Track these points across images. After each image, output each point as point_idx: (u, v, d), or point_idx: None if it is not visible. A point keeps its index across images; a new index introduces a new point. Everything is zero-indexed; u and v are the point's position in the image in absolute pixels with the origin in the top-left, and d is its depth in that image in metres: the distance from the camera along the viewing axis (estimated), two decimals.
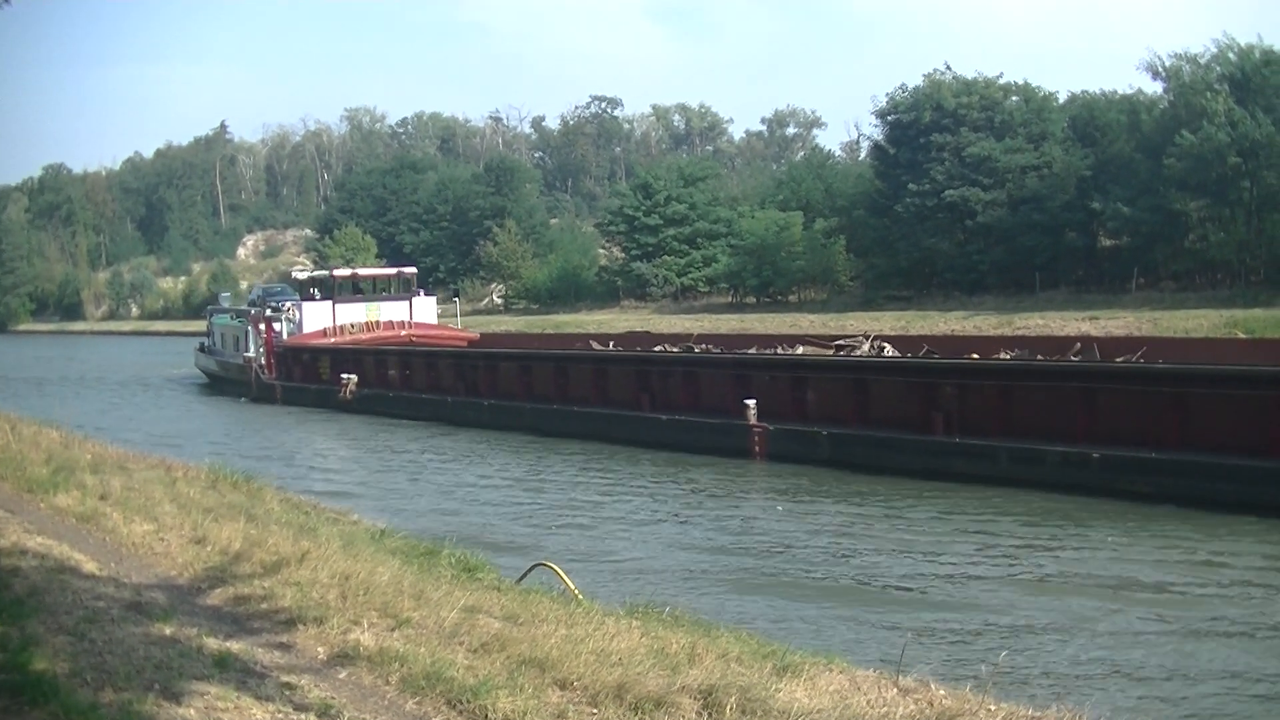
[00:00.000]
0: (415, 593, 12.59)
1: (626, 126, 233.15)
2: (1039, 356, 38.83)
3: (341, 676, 9.68)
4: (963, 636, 17.87)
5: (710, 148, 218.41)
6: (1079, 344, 40.46)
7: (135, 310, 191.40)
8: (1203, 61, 76.28)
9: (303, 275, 73.64)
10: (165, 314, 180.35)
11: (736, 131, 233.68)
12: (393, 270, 75.50)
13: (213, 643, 9.81)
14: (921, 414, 33.31)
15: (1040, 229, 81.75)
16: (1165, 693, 15.33)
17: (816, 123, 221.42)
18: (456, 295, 74.82)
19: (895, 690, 10.53)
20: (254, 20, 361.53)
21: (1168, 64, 78.81)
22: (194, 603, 11.73)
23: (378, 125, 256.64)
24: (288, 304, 68.04)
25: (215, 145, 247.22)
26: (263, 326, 65.45)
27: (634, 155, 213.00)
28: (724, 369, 41.47)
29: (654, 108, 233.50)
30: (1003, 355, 39.88)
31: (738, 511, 28.70)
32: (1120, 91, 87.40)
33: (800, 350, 46.22)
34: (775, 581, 21.75)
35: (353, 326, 64.88)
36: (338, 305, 66.00)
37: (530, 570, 16.57)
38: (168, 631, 9.97)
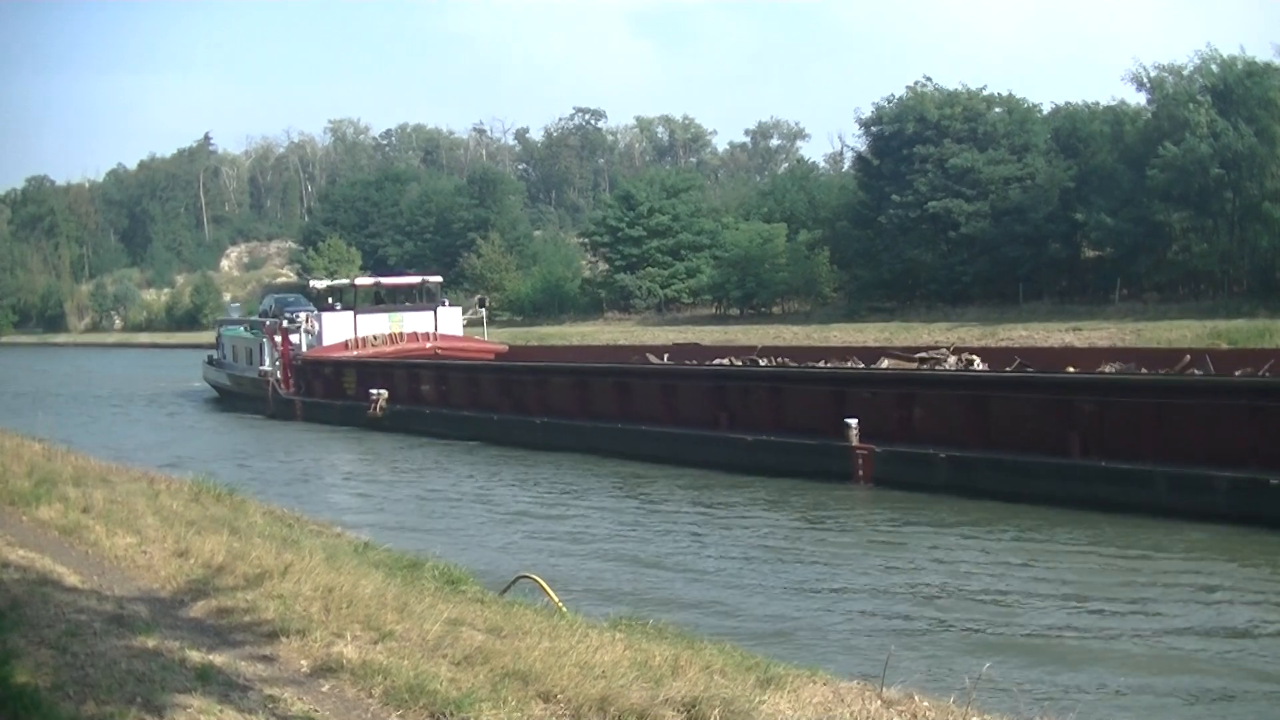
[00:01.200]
0: (398, 605, 12.53)
1: (610, 138, 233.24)
2: (1143, 369, 35.42)
3: (325, 689, 9.63)
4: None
5: (694, 159, 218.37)
6: (1188, 355, 36.67)
7: (118, 322, 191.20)
8: (1185, 73, 76.70)
9: (320, 285, 70.46)
10: (149, 326, 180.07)
11: (720, 143, 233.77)
12: (416, 279, 72.96)
13: (195, 655, 9.75)
14: (1054, 434, 29.87)
15: (1023, 240, 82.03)
16: None
17: (800, 134, 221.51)
18: (483, 304, 70.46)
19: (879, 702, 10.52)
20: (237, 32, 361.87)
21: (1152, 75, 79.14)
22: (176, 615, 11.67)
23: (361, 137, 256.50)
24: (305, 314, 63.78)
25: (199, 157, 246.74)
26: (278, 338, 61.44)
27: (617, 167, 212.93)
28: (817, 385, 37.21)
29: (637, 119, 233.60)
30: (1106, 369, 36.00)
31: (888, 548, 24.99)
32: (1103, 103, 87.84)
33: (886, 364, 41.71)
34: (989, 639, 18.27)
35: (375, 338, 61.25)
36: (359, 316, 62.60)
37: (513, 583, 16.53)
38: (150, 644, 9.91)
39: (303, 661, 10.31)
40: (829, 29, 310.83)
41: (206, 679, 9.13)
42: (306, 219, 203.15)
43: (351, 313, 62.62)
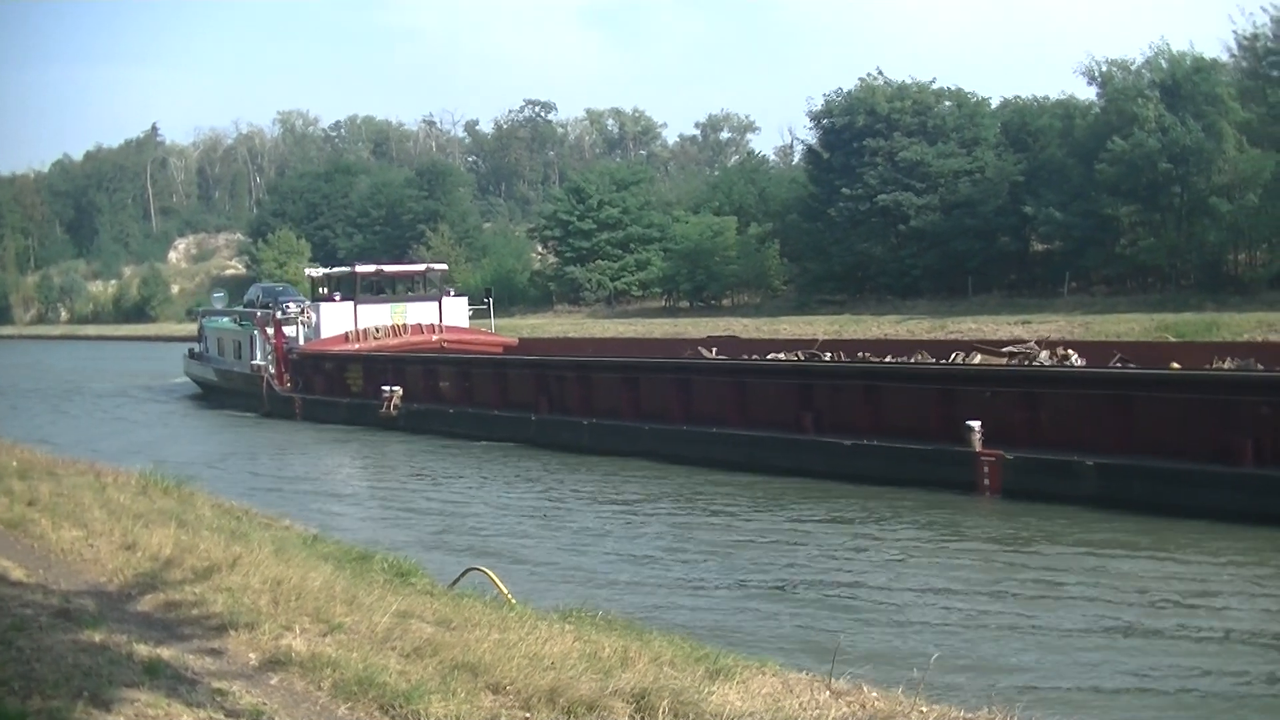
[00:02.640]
0: (348, 598, 12.48)
1: (560, 131, 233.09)
2: (1259, 366, 32.01)
3: (273, 682, 9.55)
4: None
5: (644, 152, 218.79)
6: None
7: (65, 314, 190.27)
8: (1134, 68, 77.03)
9: (316, 273, 64.26)
10: (95, 318, 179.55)
11: (670, 136, 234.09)
12: (420, 266, 68.82)
13: (143, 649, 9.66)
14: (1221, 440, 26.27)
15: (973, 233, 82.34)
16: None
17: (750, 127, 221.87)
18: (488, 295, 65.17)
19: (828, 693, 10.49)
20: (185, 22, 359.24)
21: (1102, 69, 79.50)
22: (124, 609, 11.56)
23: (310, 129, 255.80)
24: (301, 305, 60.60)
25: (146, 148, 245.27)
26: (271, 331, 57.73)
27: (568, 160, 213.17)
28: (924, 383, 33.12)
29: (588, 112, 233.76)
30: (1221, 364, 32.89)
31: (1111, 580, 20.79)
32: (1052, 97, 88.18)
33: (979, 359, 37.87)
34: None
35: (378, 331, 57.11)
36: (360, 306, 58.27)
37: (463, 575, 16.46)
38: (97, 638, 9.82)
39: (251, 655, 10.23)
40: (780, 22, 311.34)
41: (154, 673, 9.04)
42: (255, 211, 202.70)
43: (351, 303, 58.46)
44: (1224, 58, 78.26)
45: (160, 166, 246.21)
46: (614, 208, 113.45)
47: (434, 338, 57.73)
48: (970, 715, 10.23)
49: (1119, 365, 34.41)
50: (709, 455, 34.82)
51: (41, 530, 15.21)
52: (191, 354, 70.30)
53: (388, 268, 67.85)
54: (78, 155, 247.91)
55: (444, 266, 70.06)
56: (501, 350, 57.46)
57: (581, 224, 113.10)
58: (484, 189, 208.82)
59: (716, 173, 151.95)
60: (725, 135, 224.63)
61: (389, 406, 47.55)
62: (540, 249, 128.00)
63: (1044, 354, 37.14)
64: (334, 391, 54.12)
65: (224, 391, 62.11)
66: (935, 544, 24.00)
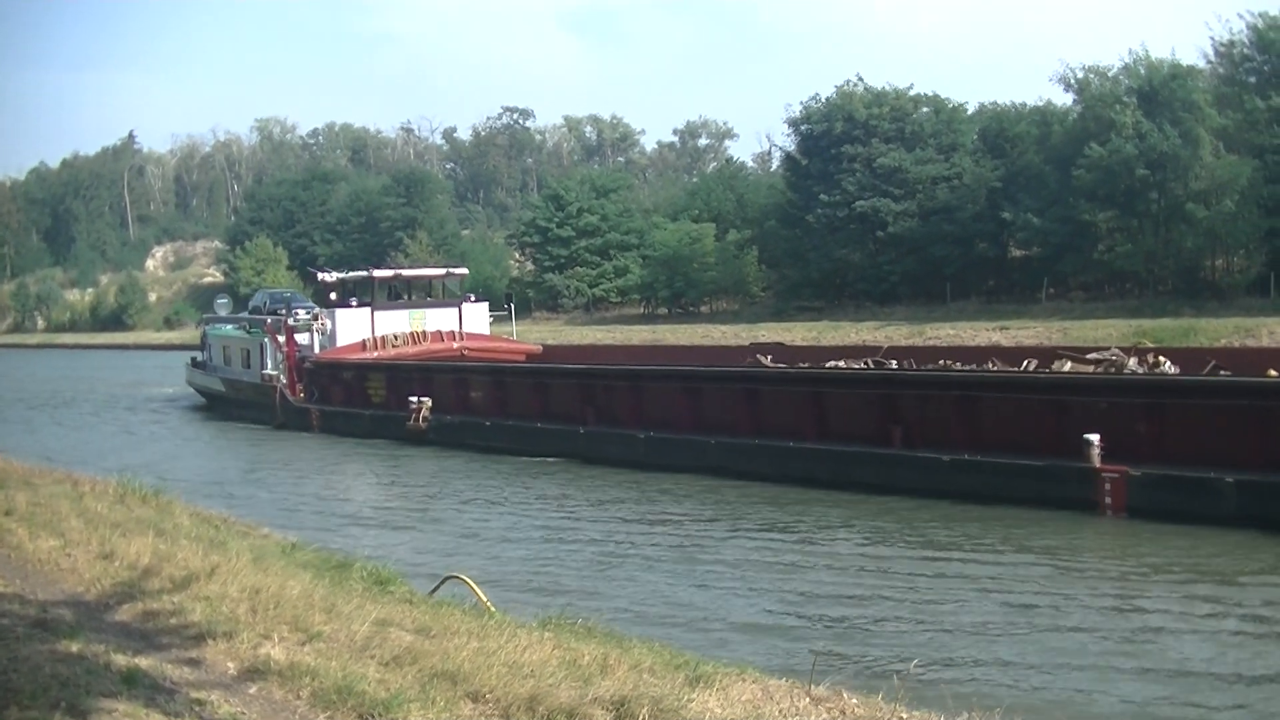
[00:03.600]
0: (326, 606, 12.44)
1: (538, 137, 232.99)
2: None
3: (252, 691, 9.51)
4: None
5: (622, 159, 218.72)
6: None
7: (41, 323, 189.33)
8: (1111, 74, 77.26)
9: (330, 277, 60.09)
10: (72, 326, 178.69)
11: (649, 143, 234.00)
12: (440, 270, 65.35)
13: (121, 659, 9.60)
14: None
15: (951, 239, 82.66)
16: None
17: (728, 134, 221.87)
18: (509, 300, 62.48)
19: (808, 699, 10.54)
20: (163, 29, 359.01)
21: (1079, 76, 79.74)
22: (101, 619, 11.49)
23: (288, 136, 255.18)
24: (312, 311, 57.49)
25: (123, 155, 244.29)
26: (282, 339, 55.10)
27: (546, 166, 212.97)
28: (1029, 393, 30.35)
29: (566, 119, 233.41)
30: None
31: None
32: (1030, 103, 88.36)
33: (1069, 366, 35.27)
34: None
35: (396, 338, 54.90)
36: (376, 312, 55.80)
37: (442, 583, 16.43)
38: (74, 649, 9.76)
39: (230, 664, 10.18)
40: (759, 29, 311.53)
41: (132, 683, 8.98)
42: (233, 219, 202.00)
43: (369, 309, 55.93)
44: (1201, 64, 78.71)
45: (137, 174, 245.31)
46: (592, 214, 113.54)
47: (455, 345, 55.25)
48: None
49: (1213, 372, 31.77)
50: (785, 470, 32.59)
51: (18, 540, 15.14)
52: (194, 363, 67.77)
53: (405, 271, 65.80)
54: (54, 162, 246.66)
55: (464, 271, 67.50)
56: (524, 358, 55.24)
57: (560, 231, 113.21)
58: (462, 196, 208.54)
59: (695, 179, 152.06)
60: (703, 142, 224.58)
61: (418, 419, 45.07)
62: (518, 256, 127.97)
63: (1132, 361, 34.68)
64: (354, 402, 51.74)
65: (231, 402, 59.50)
66: (1068, 570, 22.05)
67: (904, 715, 10.11)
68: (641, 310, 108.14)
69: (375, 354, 53.75)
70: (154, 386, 73.45)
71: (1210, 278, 73.17)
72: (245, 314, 69.01)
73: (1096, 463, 26.50)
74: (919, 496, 28.47)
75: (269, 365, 56.01)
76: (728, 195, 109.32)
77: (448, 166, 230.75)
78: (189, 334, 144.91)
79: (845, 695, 10.73)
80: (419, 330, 55.62)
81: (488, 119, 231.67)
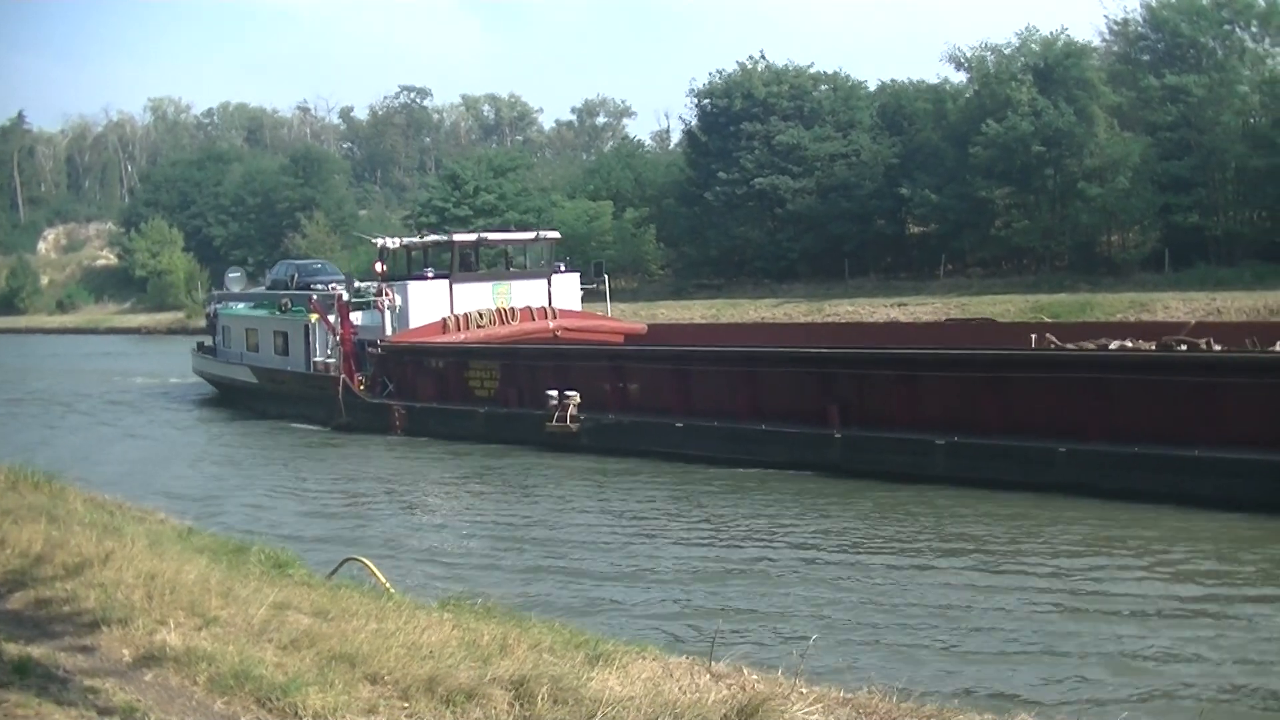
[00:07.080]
0: (223, 590, 12.23)
1: (436, 117, 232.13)
2: None
3: (148, 678, 9.32)
4: None
5: (520, 138, 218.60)
6: None
7: None
8: (1007, 52, 77.84)
9: (394, 243, 50.66)
10: None
11: (547, 121, 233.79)
12: (529, 234, 55.00)
13: (12, 648, 9.39)
14: None
15: (849, 217, 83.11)
16: None
17: (626, 112, 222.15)
18: (599, 272, 53.81)
19: (708, 676, 10.56)
20: (52, 6, 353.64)
21: (969, 55, 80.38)
22: None
23: (183, 115, 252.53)
24: (380, 286, 47.29)
25: (12, 135, 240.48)
26: (334, 319, 46.03)
27: (444, 146, 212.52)
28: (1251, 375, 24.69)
29: (463, 98, 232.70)
30: None
31: None
32: (928, 81, 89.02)
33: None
34: None
35: (480, 316, 46.36)
36: (455, 286, 47.60)
37: (340, 565, 16.22)
38: None
39: (125, 651, 9.97)
40: (659, 7, 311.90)
41: (24, 672, 8.85)
42: (127, 200, 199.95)
43: (447, 282, 47.51)
44: (1096, 43, 79.72)
45: (27, 155, 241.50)
46: (490, 194, 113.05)
47: (551, 324, 47.57)
48: (849, 695, 10.30)
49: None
50: (1056, 478, 25.81)
51: None
52: (201, 348, 58.33)
53: (490, 235, 55.81)
54: None
55: (556, 234, 56.59)
56: (624, 340, 48.15)
57: (458, 211, 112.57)
58: (360, 176, 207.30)
59: (593, 158, 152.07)
60: (601, 120, 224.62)
61: (565, 417, 36.05)
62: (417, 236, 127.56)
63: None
64: (451, 397, 42.42)
65: (265, 396, 50.34)
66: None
67: (803, 690, 10.02)
68: None
69: (462, 335, 45.45)
70: (135, 376, 65.95)
71: (1106, 253, 74.14)
72: (262, 289, 61.25)
73: None
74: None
75: (319, 352, 47.44)
76: (626, 173, 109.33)
77: (345, 146, 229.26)
78: (83, 318, 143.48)
79: (745, 671, 10.78)
80: (504, 306, 47.73)
81: (385, 98, 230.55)
